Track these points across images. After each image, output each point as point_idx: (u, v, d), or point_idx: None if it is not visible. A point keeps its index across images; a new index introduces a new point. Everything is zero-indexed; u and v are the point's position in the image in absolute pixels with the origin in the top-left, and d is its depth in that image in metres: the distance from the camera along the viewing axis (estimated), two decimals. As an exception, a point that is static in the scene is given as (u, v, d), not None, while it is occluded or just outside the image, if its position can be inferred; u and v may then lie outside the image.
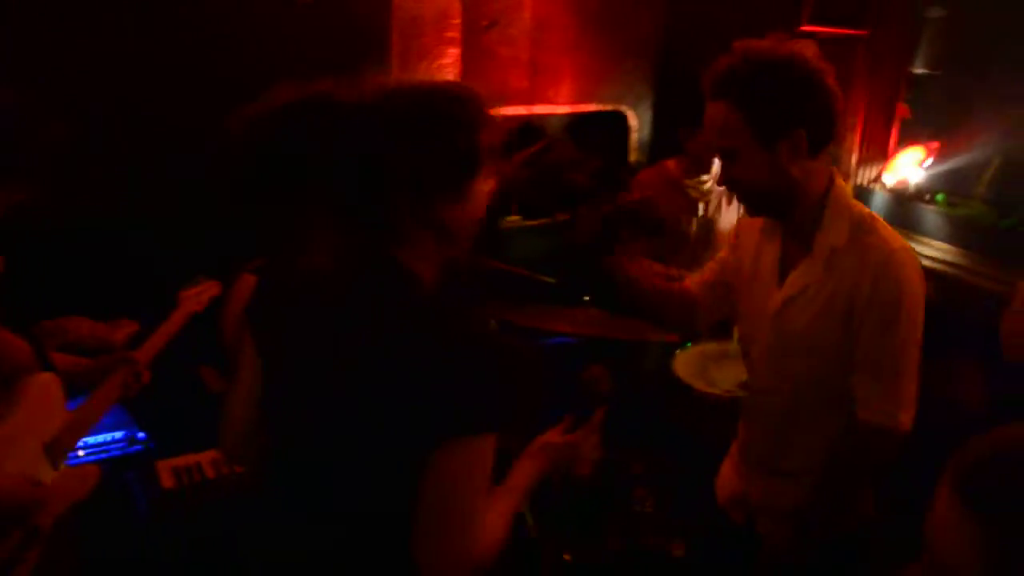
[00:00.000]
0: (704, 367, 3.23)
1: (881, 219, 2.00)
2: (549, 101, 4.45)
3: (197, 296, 2.71)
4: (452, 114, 1.49)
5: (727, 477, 2.42)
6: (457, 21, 4.08)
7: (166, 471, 2.82)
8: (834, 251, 1.96)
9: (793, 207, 1.99)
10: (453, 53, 4.12)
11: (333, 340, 1.50)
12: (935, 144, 4.00)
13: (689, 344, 3.31)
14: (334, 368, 1.49)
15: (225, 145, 1.96)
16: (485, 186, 1.57)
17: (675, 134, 3.67)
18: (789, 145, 1.88)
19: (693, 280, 2.40)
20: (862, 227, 1.95)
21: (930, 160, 4.01)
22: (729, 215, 3.72)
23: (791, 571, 2.15)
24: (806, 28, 4.04)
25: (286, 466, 1.63)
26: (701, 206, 3.67)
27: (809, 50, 1.90)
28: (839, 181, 2.01)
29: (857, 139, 4.08)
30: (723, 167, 1.98)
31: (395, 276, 1.48)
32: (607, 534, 2.77)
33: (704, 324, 2.43)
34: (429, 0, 4.01)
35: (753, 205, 2.05)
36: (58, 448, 2.36)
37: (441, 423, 1.39)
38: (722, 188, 3.66)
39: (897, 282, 1.90)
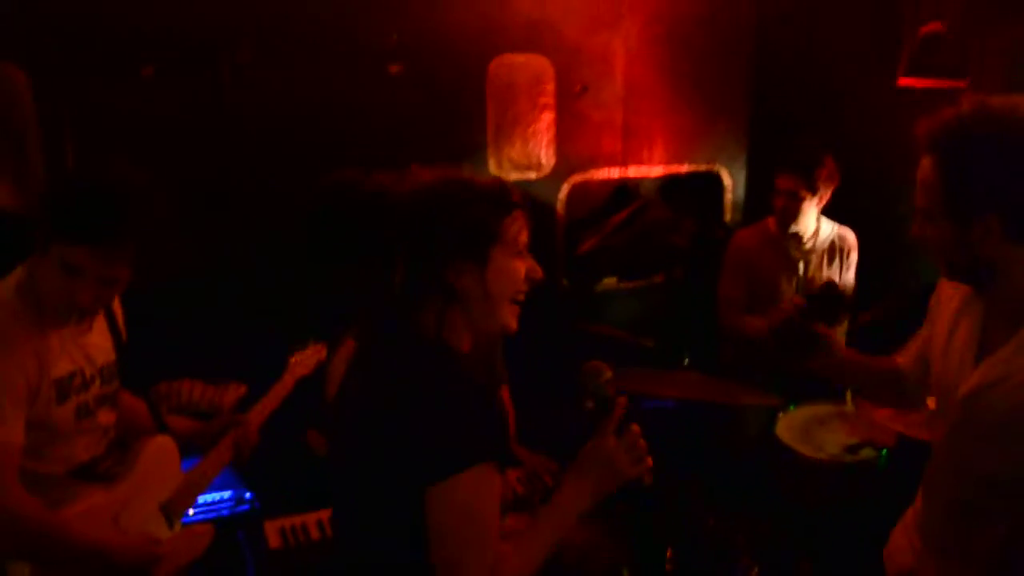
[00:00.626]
0: (809, 431, 3.15)
1: None
2: (642, 163, 4.47)
3: (305, 360, 2.78)
4: (464, 193, 1.64)
5: (899, 548, 2.16)
6: (551, 87, 4.16)
7: (274, 531, 2.87)
8: None
9: (992, 284, 1.78)
10: (547, 118, 4.19)
11: (359, 401, 1.67)
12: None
13: (792, 407, 3.24)
14: (354, 426, 1.66)
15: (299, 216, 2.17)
16: (510, 261, 1.67)
17: (769, 192, 3.64)
18: (982, 227, 1.69)
19: (903, 353, 2.22)
20: None
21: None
22: (830, 275, 3.66)
23: None
24: (903, 82, 3.97)
25: (336, 517, 1.84)
26: (801, 266, 3.62)
27: None
28: None
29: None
30: (917, 222, 1.80)
31: (408, 339, 1.63)
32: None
33: (917, 399, 2.25)
34: (523, 67, 4.10)
35: (943, 270, 1.88)
36: (174, 508, 2.44)
37: (424, 466, 1.50)
38: (823, 247, 3.64)
39: None
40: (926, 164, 1.74)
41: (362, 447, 1.63)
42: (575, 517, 1.67)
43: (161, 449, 2.46)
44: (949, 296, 1.99)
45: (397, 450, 1.52)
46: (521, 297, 1.68)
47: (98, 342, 2.28)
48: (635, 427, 1.71)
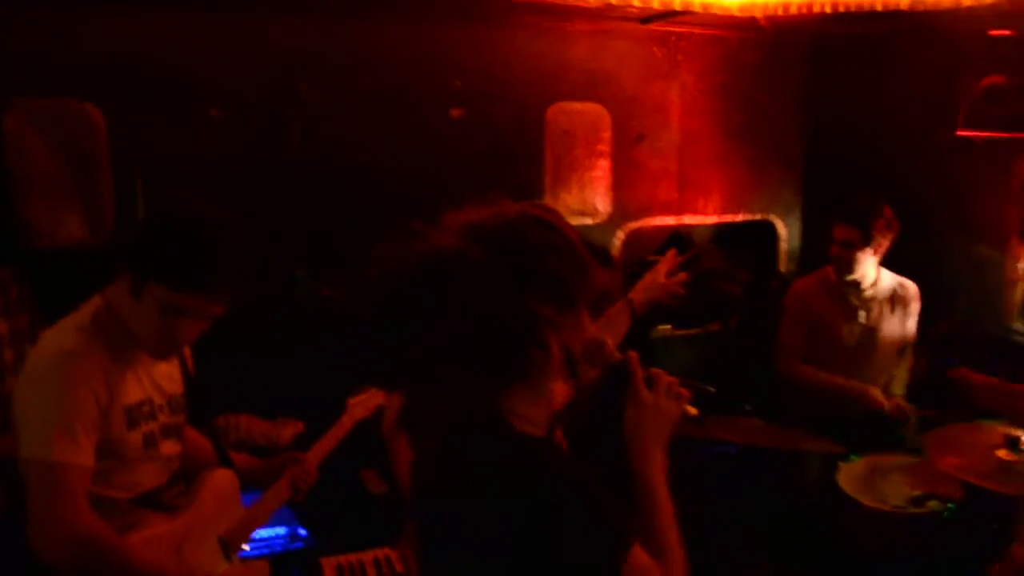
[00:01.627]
0: (871, 481, 3.08)
1: None
2: (698, 212, 4.48)
3: (364, 403, 2.79)
4: (545, 240, 1.48)
5: None
6: (607, 135, 4.20)
7: (330, 567, 2.87)
8: None
9: None
10: (603, 165, 4.22)
11: (443, 496, 1.53)
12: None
13: (854, 457, 3.18)
14: (454, 539, 1.50)
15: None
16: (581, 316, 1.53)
17: (824, 242, 3.62)
18: None
19: None
20: None
21: None
22: (892, 324, 3.62)
23: None
24: (962, 133, 3.95)
25: None
26: (862, 314, 3.58)
27: None
28: None
29: (1021, 243, 3.91)
30: None
31: (493, 431, 1.47)
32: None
33: None
34: (580, 115, 4.15)
35: None
36: (232, 541, 2.45)
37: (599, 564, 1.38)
38: (884, 296, 3.60)
39: None
40: None
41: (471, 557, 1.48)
42: (664, 480, 1.58)
43: (223, 482, 2.48)
44: None
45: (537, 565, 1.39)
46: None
47: (168, 372, 2.32)
48: (658, 372, 1.63)
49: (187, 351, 2.44)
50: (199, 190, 2.12)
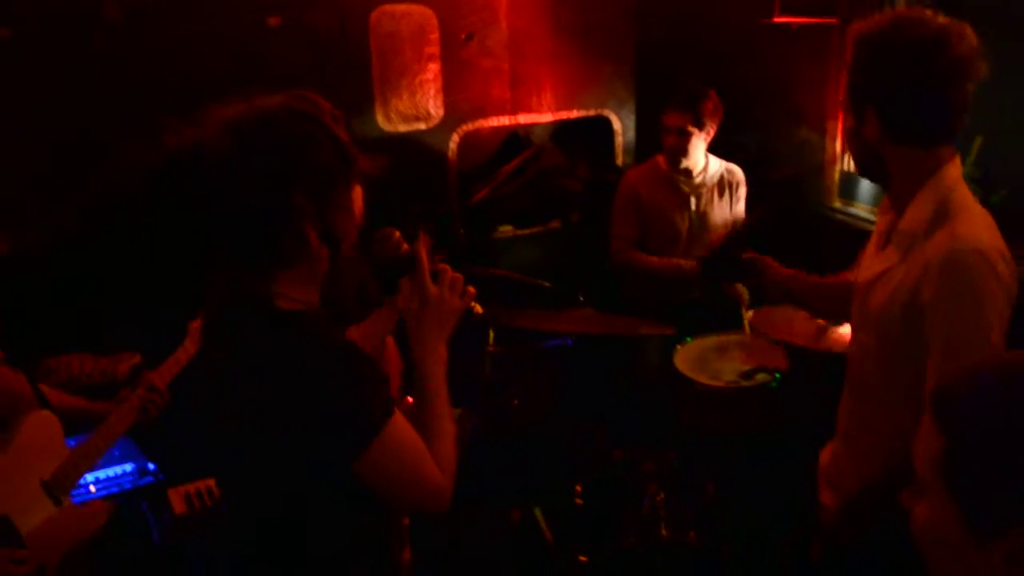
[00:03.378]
0: (705, 360, 3.23)
1: (977, 211, 1.87)
2: (532, 110, 4.46)
3: None
4: (299, 133, 1.50)
5: (826, 448, 2.29)
6: (435, 36, 4.10)
7: (178, 497, 2.83)
8: (913, 238, 1.87)
9: (888, 182, 1.96)
10: (433, 68, 4.14)
11: (225, 390, 1.59)
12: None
13: (689, 339, 3.32)
14: (234, 412, 1.57)
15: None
16: (356, 193, 1.58)
17: (659, 134, 3.69)
18: (867, 120, 1.86)
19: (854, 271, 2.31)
20: (943, 217, 1.83)
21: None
22: (722, 209, 3.74)
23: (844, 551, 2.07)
24: (778, 19, 4.06)
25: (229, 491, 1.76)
26: (693, 200, 3.69)
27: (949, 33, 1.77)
28: (945, 170, 1.87)
29: (839, 126, 4.10)
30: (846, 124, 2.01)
31: (266, 318, 1.52)
32: (621, 532, 2.77)
33: None
34: (406, 17, 4.03)
35: (856, 167, 2.04)
36: (59, 484, 2.36)
37: (344, 447, 1.48)
38: (713, 182, 3.72)
39: (964, 283, 1.76)
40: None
41: (248, 434, 1.56)
42: (443, 372, 1.67)
43: (40, 424, 2.37)
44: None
45: (295, 439, 1.48)
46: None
47: None
48: (444, 267, 1.69)
49: None
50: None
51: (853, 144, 1.97)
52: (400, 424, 1.52)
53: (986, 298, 1.77)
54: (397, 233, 1.69)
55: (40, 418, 2.36)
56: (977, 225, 1.83)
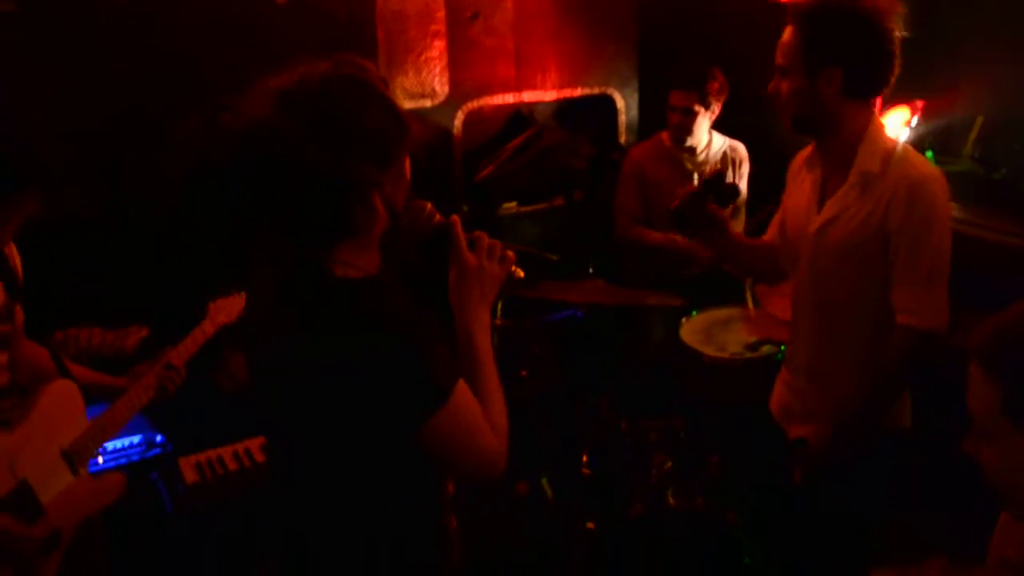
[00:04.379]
0: (711, 333, 3.26)
1: (914, 150, 2.19)
2: (536, 87, 4.47)
3: (227, 308, 2.71)
4: (355, 101, 1.46)
5: (777, 392, 2.55)
6: (441, 14, 4.11)
7: (189, 467, 2.85)
8: (869, 177, 2.14)
9: (829, 136, 2.20)
10: (439, 46, 4.14)
11: (282, 363, 1.55)
12: (920, 103, 4.04)
13: (694, 312, 3.35)
14: (293, 391, 1.55)
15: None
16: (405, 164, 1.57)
17: (663, 112, 3.70)
18: (825, 78, 2.10)
19: (769, 230, 2.58)
20: (895, 156, 2.14)
21: (915, 119, 4.04)
22: (724, 184, 3.76)
23: (827, 475, 2.26)
24: (783, -2, 4.07)
25: (281, 460, 1.72)
26: (696, 177, 3.71)
27: (888, 4, 2.08)
28: (877, 120, 2.20)
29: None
30: (774, 81, 2.21)
31: (327, 286, 1.49)
32: (628, 500, 2.81)
33: (787, 266, 2.51)
34: (412, -6, 4.04)
35: (790, 123, 2.23)
36: (78, 453, 2.37)
37: (411, 415, 1.45)
38: (716, 159, 3.75)
39: (928, 204, 2.09)
40: (788, 31, 2.17)
41: (308, 405, 1.53)
42: (488, 339, 1.65)
43: (62, 394, 2.39)
44: (797, 168, 2.43)
45: (359, 408, 1.46)
46: None
47: None
48: (480, 233, 1.67)
49: (16, 258, 2.32)
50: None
51: (801, 102, 2.16)
52: (463, 390, 1.50)
53: (945, 217, 2.12)
54: (429, 205, 1.65)
55: (62, 387, 2.38)
56: (924, 160, 2.20)
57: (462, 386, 1.49)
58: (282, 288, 1.56)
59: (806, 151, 2.38)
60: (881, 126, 2.21)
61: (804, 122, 2.20)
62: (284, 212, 1.47)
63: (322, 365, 1.46)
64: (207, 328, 2.68)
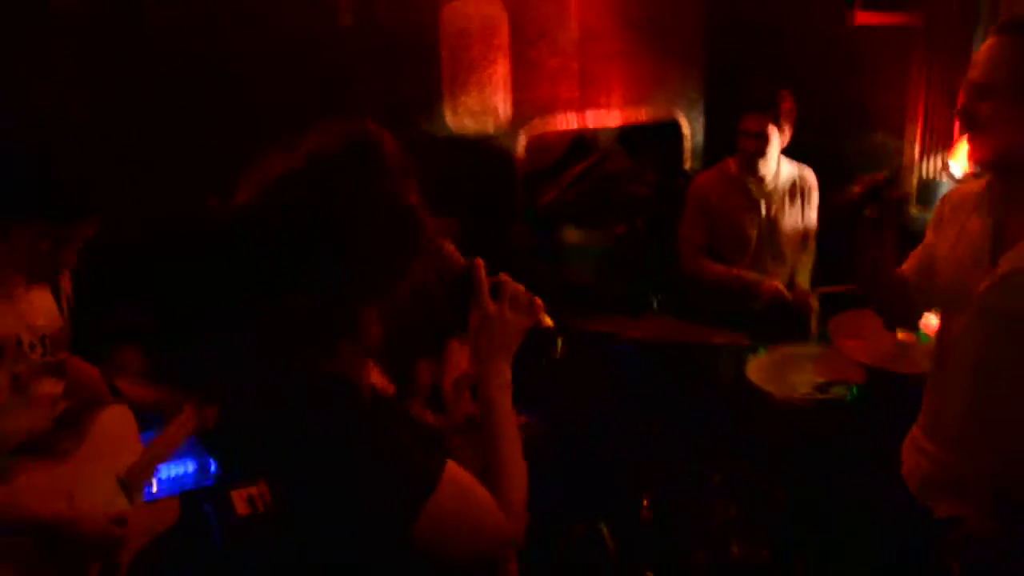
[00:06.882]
0: (779, 372, 3.14)
1: None
2: (600, 108, 4.37)
3: None
4: (355, 199, 1.34)
5: (912, 460, 2.19)
6: (505, 32, 4.05)
7: (240, 499, 2.80)
8: None
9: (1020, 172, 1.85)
10: (503, 64, 4.08)
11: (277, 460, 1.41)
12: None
13: (762, 350, 3.23)
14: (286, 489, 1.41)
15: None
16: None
17: (729, 137, 3.59)
18: None
19: (906, 264, 2.22)
20: None
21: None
22: (793, 215, 3.64)
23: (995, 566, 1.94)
24: (859, 20, 3.94)
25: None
26: (763, 205, 3.59)
27: None
28: None
29: (919, 130, 3.96)
30: (965, 103, 1.86)
31: (317, 393, 1.37)
32: (690, 547, 2.69)
33: (918, 310, 2.27)
34: (476, 12, 3.98)
35: (993, 156, 1.88)
36: (134, 481, 2.33)
37: (399, 514, 1.32)
38: (785, 187, 3.62)
39: None
40: (996, 42, 1.81)
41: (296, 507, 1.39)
42: (509, 400, 1.51)
43: (116, 420, 2.36)
44: (957, 202, 2.06)
45: (343, 514, 1.33)
46: None
47: (41, 308, 2.16)
48: (505, 277, 1.55)
49: (67, 284, 2.29)
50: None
51: (1010, 129, 1.81)
52: (454, 474, 1.36)
53: None
54: (450, 246, 1.54)
55: (115, 412, 2.35)
56: None
57: (451, 470, 1.36)
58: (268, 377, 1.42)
59: (963, 189, 2.08)
60: None
61: (1012, 157, 1.84)
62: (273, 315, 1.38)
63: (306, 468, 1.34)
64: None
